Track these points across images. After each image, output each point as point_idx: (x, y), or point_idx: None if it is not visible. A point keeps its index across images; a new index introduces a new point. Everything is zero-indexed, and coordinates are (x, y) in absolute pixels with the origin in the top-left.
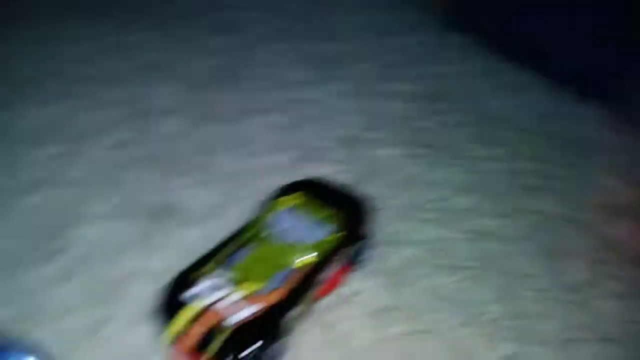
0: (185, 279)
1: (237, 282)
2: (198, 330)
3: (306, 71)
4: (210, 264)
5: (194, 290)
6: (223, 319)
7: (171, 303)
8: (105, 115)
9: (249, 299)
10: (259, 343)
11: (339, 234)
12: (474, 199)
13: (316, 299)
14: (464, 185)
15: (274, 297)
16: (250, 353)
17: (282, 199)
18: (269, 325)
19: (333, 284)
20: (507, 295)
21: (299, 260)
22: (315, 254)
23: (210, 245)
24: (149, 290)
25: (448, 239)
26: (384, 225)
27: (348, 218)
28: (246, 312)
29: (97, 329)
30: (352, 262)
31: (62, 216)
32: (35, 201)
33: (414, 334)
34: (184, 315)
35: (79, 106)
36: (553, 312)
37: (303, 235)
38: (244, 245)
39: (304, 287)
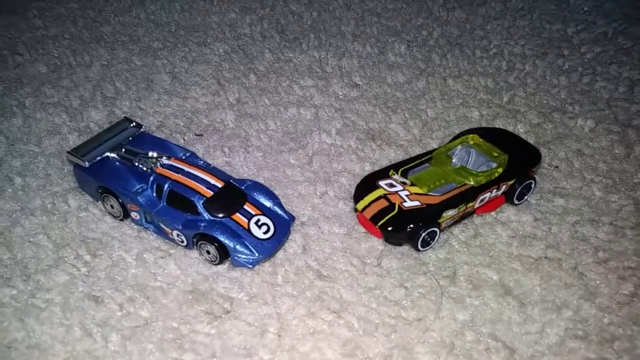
0: (379, 175)
1: (409, 185)
2: (378, 206)
3: (528, 48)
4: (397, 171)
5: (382, 182)
6: (397, 203)
7: (367, 184)
8: (351, 63)
9: (413, 196)
10: (416, 225)
11: (501, 171)
12: None
13: (471, 214)
14: None
15: (431, 200)
16: (408, 230)
17: (464, 137)
18: (424, 216)
19: (490, 208)
20: None
21: (459, 180)
22: (474, 180)
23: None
24: (351, 183)
25: (612, 202)
26: (553, 178)
27: (515, 161)
28: (410, 204)
29: (319, 195)
30: (513, 197)
31: (309, 126)
32: (294, 114)
33: (549, 261)
34: (373, 194)
35: (337, 55)
36: None
37: (471, 165)
38: (425, 162)
39: (458, 200)
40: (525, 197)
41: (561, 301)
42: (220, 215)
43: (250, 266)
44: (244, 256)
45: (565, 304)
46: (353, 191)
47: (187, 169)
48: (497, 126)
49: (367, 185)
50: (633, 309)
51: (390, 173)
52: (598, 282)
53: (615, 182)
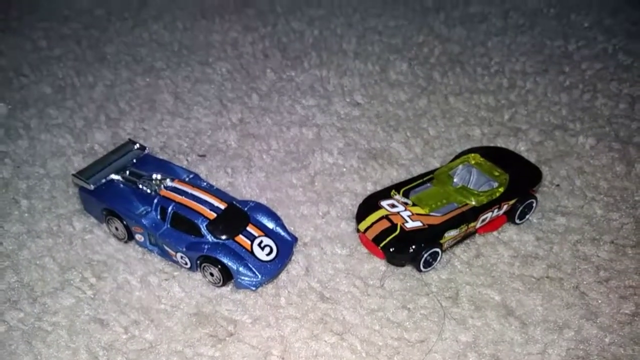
0: (381, 195)
1: (410, 205)
2: (380, 227)
3: (529, 65)
4: (398, 191)
5: (383, 202)
6: (399, 223)
7: (369, 204)
8: (352, 82)
9: (415, 217)
10: (418, 246)
11: (502, 190)
12: None
13: (472, 233)
14: None
15: (433, 220)
16: (410, 252)
17: (465, 156)
18: (426, 237)
19: (492, 227)
20: None
21: (461, 200)
22: (475, 200)
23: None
24: (353, 203)
25: (613, 220)
26: (555, 197)
27: (516, 180)
28: (412, 225)
29: (321, 215)
30: (515, 216)
31: (311, 146)
32: (296, 134)
33: (551, 280)
34: (375, 214)
35: (339, 73)
36: None
37: (472, 185)
38: (426, 182)
39: (459, 220)
40: (527, 216)
41: (563, 321)
42: (223, 237)
43: (254, 288)
44: (247, 278)
45: (567, 324)
46: (355, 211)
47: (190, 191)
48: (498, 144)
49: (369, 205)
50: (634, 329)
51: (392, 193)
52: (599, 301)
53: (616, 200)
